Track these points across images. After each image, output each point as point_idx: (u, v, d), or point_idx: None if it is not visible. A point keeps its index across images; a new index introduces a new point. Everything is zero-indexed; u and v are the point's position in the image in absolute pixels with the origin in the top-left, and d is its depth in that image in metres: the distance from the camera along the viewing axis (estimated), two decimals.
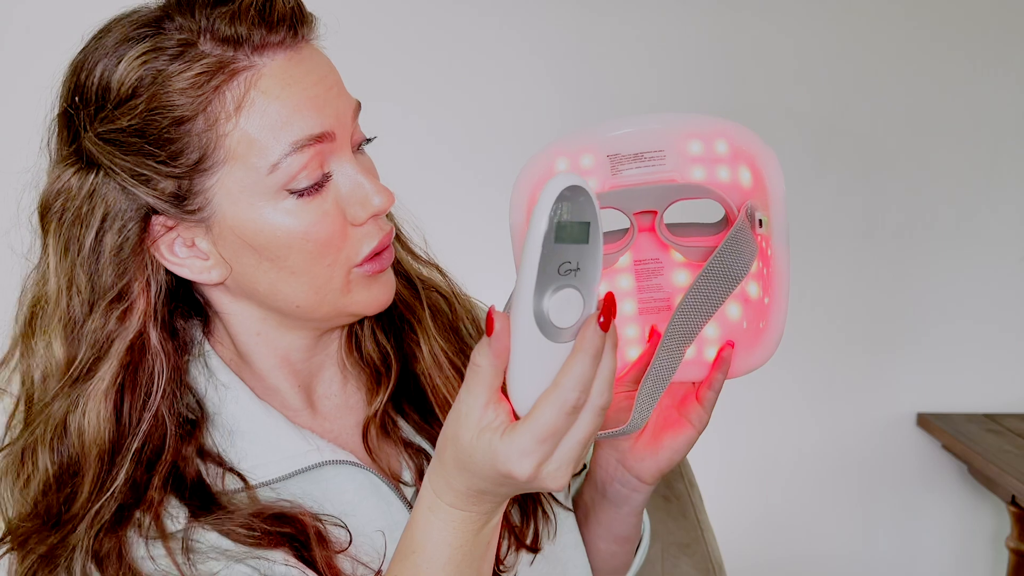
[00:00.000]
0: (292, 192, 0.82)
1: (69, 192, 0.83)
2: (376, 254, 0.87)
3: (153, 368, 0.85)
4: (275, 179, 0.81)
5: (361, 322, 0.96)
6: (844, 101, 2.43)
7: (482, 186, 2.33)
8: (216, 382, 0.90)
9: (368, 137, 0.89)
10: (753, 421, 2.50)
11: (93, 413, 0.83)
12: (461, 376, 0.96)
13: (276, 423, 0.89)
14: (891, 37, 2.42)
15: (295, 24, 0.83)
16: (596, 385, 0.68)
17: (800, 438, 2.52)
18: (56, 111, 0.86)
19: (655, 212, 0.84)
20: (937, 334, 2.49)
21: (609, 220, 0.86)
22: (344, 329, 0.96)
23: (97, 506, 0.82)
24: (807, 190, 2.43)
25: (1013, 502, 2.22)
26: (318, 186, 0.83)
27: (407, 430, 0.95)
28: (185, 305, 0.91)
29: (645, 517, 1.06)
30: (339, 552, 0.85)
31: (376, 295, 0.88)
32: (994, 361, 2.51)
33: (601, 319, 0.67)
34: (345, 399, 0.96)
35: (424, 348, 0.96)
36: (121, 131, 0.81)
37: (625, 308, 0.87)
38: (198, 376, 0.90)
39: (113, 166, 0.82)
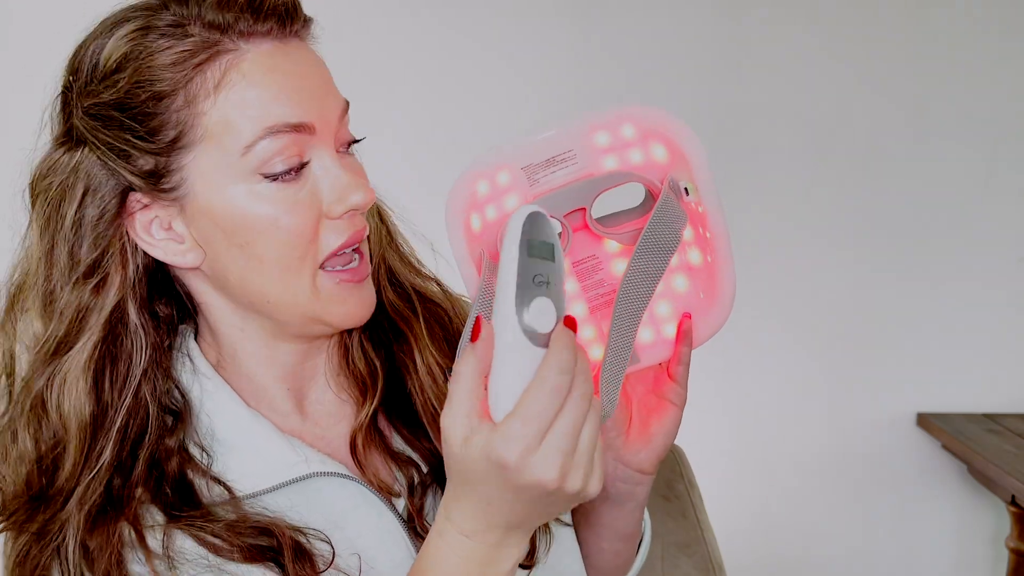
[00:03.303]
0: (266, 176, 0.82)
1: (56, 168, 0.85)
2: (342, 252, 0.86)
3: (133, 345, 0.86)
4: (248, 161, 0.82)
5: (351, 332, 0.95)
6: (844, 101, 2.43)
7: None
8: (201, 378, 0.90)
9: (356, 138, 0.88)
10: (753, 421, 2.50)
11: (72, 387, 0.84)
12: None
13: (263, 430, 0.88)
14: (891, 37, 2.43)
15: (284, 18, 0.83)
16: (577, 373, 0.69)
17: (800, 438, 2.52)
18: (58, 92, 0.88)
19: (584, 209, 0.86)
20: (937, 334, 2.50)
21: None
22: (333, 338, 0.95)
23: (86, 482, 0.82)
24: (807, 190, 2.43)
25: (1013, 502, 2.23)
26: (294, 173, 0.83)
27: (398, 442, 0.94)
28: (166, 295, 0.91)
29: (645, 514, 1.06)
30: (323, 570, 0.84)
31: (350, 309, 0.87)
32: (994, 361, 2.51)
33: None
34: (338, 406, 0.95)
35: (419, 360, 0.95)
36: (104, 105, 0.83)
37: (575, 311, 0.87)
38: (182, 369, 0.90)
39: (96, 140, 0.83)
